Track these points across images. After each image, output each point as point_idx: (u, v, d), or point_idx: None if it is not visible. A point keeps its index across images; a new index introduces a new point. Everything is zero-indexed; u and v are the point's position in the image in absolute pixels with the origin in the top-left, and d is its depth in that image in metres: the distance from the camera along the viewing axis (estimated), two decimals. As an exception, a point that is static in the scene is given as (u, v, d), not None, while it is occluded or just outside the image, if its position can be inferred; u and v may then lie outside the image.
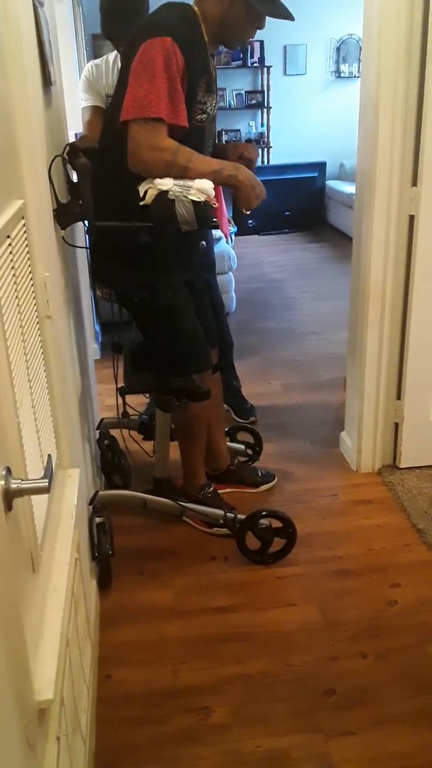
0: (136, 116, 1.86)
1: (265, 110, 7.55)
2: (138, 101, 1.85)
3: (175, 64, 1.88)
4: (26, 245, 1.32)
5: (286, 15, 1.99)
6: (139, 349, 2.53)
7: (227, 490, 2.64)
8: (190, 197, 1.89)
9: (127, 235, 1.99)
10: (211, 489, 2.52)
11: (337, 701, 1.82)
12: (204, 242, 2.51)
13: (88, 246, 2.22)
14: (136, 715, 1.80)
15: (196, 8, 2.02)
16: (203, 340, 2.28)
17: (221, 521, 2.35)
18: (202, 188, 1.91)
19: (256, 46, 7.10)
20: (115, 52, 2.90)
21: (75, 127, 2.99)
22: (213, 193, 1.93)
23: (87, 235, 2.20)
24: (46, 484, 0.98)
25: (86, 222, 2.06)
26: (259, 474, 2.75)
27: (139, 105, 1.85)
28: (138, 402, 2.92)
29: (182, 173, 1.91)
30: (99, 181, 2.01)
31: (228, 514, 2.33)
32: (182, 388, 2.25)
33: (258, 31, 2.11)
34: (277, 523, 2.30)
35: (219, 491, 2.60)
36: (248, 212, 2.11)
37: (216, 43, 2.10)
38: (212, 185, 1.93)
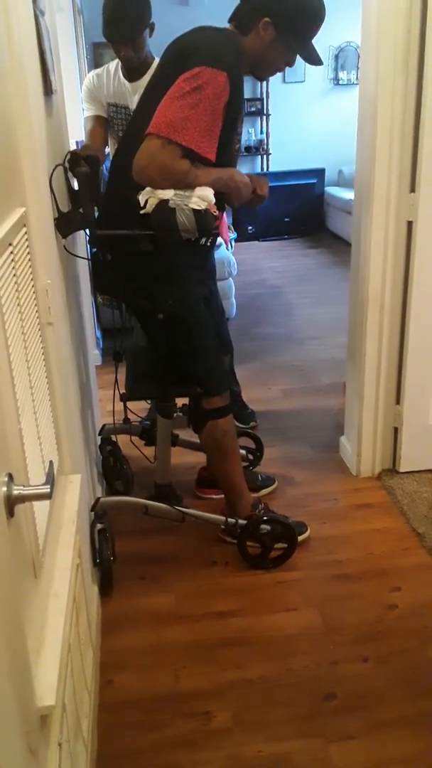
0: (166, 135, 1.83)
1: (265, 117, 7.58)
2: (173, 122, 1.83)
3: (223, 101, 1.89)
4: (28, 253, 1.33)
5: (318, 60, 2.06)
6: (141, 356, 2.54)
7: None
8: (191, 205, 1.90)
9: (137, 244, 1.99)
10: (262, 505, 2.45)
11: (338, 706, 1.82)
12: None
13: (89, 257, 2.22)
14: (138, 721, 1.80)
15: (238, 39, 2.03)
16: (221, 357, 2.30)
17: (222, 527, 2.36)
18: (202, 195, 1.92)
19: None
20: (116, 61, 2.92)
21: (76, 135, 3.01)
22: (213, 200, 1.94)
23: (88, 245, 2.21)
24: (48, 490, 0.99)
25: (87, 231, 2.08)
26: (259, 478, 2.75)
27: (172, 126, 1.83)
28: (140, 407, 2.93)
29: (186, 187, 1.92)
30: (117, 192, 2.02)
31: (229, 519, 2.34)
32: (206, 410, 2.25)
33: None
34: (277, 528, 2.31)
35: (216, 496, 2.61)
36: (239, 208, 2.12)
37: (246, 73, 2.12)
38: (212, 192, 1.94)
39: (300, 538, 2.40)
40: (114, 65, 2.94)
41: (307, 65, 2.11)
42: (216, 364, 2.28)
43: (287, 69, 2.15)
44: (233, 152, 2.10)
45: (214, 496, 2.68)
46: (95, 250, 2.14)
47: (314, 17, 2.02)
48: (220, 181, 2.00)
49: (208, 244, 2.13)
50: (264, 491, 2.72)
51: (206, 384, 2.25)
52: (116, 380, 2.42)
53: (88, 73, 3.11)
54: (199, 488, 2.76)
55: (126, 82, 2.89)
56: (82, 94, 2.99)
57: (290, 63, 2.11)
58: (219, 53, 1.91)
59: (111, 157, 3.11)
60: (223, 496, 2.54)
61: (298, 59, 2.09)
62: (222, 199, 2.07)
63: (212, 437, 2.30)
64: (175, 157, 1.86)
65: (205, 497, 2.71)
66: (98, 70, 3.00)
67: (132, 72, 2.87)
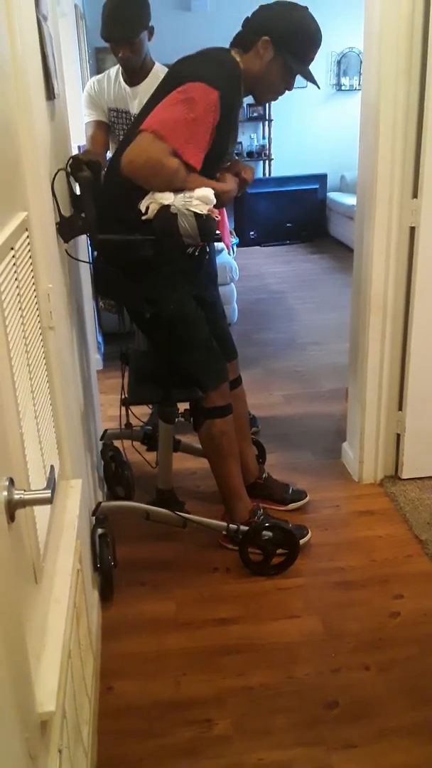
0: (154, 131, 1.88)
1: (267, 123, 7.59)
2: (164, 122, 1.89)
3: (212, 117, 1.94)
4: (30, 257, 1.33)
5: (315, 81, 2.11)
6: (143, 360, 2.54)
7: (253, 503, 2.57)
8: (193, 209, 1.90)
9: (138, 249, 2.00)
10: (261, 511, 2.42)
11: (340, 714, 1.81)
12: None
13: (90, 261, 2.23)
14: (138, 728, 1.79)
15: (239, 60, 2.08)
16: (218, 353, 2.30)
17: (224, 533, 2.35)
18: (202, 197, 1.92)
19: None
20: (117, 66, 2.93)
21: (78, 139, 3.01)
22: (214, 200, 1.95)
23: (90, 248, 2.21)
24: (49, 495, 0.98)
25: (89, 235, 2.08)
26: (290, 491, 2.67)
27: (162, 124, 1.89)
28: (142, 412, 2.92)
29: (176, 189, 1.95)
30: (112, 196, 2.02)
31: (230, 525, 2.33)
32: (205, 408, 2.24)
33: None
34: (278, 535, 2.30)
35: None
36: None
37: (246, 95, 2.16)
38: (212, 192, 1.94)
39: (301, 542, 2.39)
40: (114, 71, 2.95)
41: (309, 69, 2.11)
42: (208, 357, 2.27)
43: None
44: (219, 167, 2.15)
45: None
46: (95, 252, 2.15)
47: (312, 39, 2.09)
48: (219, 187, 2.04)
49: (196, 253, 2.14)
50: (293, 505, 2.65)
51: (200, 379, 2.25)
52: (123, 383, 2.41)
53: (90, 78, 3.12)
54: None
55: (127, 86, 2.90)
56: (83, 100, 3.00)
57: (289, 86, 2.17)
58: (215, 74, 1.98)
59: None
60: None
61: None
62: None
63: (209, 437, 2.30)
64: (165, 153, 1.89)
65: None
66: (99, 76, 3.02)
67: (132, 76, 2.87)
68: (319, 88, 2.17)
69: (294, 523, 2.42)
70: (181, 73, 2.01)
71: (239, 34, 2.11)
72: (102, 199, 2.08)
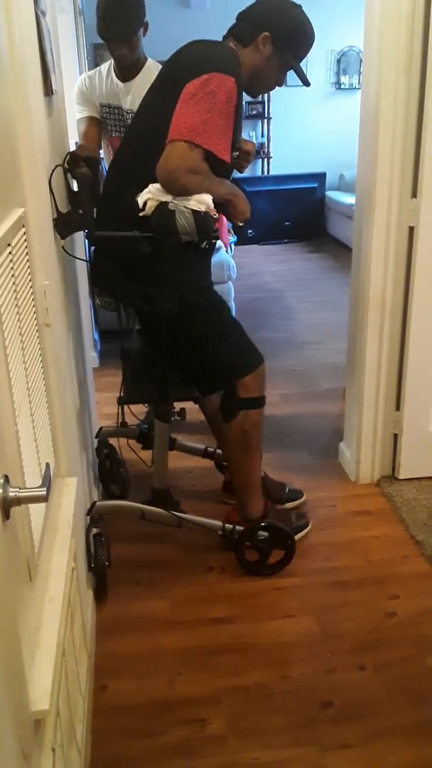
0: (188, 139, 1.86)
1: (266, 121, 7.59)
2: (193, 127, 1.87)
3: (233, 105, 1.95)
4: (26, 253, 1.32)
5: (307, 80, 2.17)
6: (139, 359, 2.53)
7: None
8: (190, 207, 1.89)
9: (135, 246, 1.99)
10: (272, 509, 2.43)
11: (335, 714, 1.81)
12: None
13: (87, 258, 2.22)
14: (132, 727, 1.78)
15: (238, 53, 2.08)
16: (245, 333, 2.28)
17: (219, 532, 2.34)
18: (201, 199, 1.92)
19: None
20: (108, 62, 2.92)
21: (76, 136, 3.00)
22: (212, 204, 1.94)
23: (87, 245, 2.20)
24: (44, 492, 0.98)
25: (86, 232, 2.07)
26: (286, 490, 2.68)
27: (193, 130, 1.87)
28: (140, 410, 2.92)
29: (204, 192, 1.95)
30: (114, 193, 2.01)
31: (226, 525, 2.32)
32: (241, 399, 2.22)
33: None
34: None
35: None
36: (241, 224, 2.17)
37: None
38: (211, 198, 1.94)
39: (290, 504, 2.48)
40: (106, 67, 2.95)
41: (309, 68, 2.13)
42: (243, 339, 2.26)
43: (289, 73, 2.17)
44: (232, 160, 2.12)
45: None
46: (93, 248, 2.13)
47: (309, 37, 2.11)
48: (229, 194, 2.06)
49: (207, 247, 2.12)
50: (290, 504, 2.65)
51: (239, 362, 2.23)
52: (123, 380, 2.40)
53: (81, 74, 3.11)
54: (224, 492, 2.72)
55: (119, 82, 2.89)
56: (75, 97, 2.99)
57: (280, 82, 2.19)
58: (227, 61, 1.98)
59: (104, 158, 3.11)
60: None
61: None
62: (223, 211, 2.10)
63: (242, 428, 2.26)
64: (200, 158, 1.89)
65: (229, 502, 2.63)
66: (90, 72, 3.02)
67: (125, 72, 2.87)
68: (308, 86, 2.20)
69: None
70: (191, 63, 1.96)
71: (236, 27, 2.11)
72: (102, 196, 2.08)
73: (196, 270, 2.15)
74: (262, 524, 2.29)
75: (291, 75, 2.15)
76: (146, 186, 1.93)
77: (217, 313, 2.22)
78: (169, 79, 2.02)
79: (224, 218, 2.17)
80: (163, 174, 1.89)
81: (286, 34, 2.06)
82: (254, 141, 2.15)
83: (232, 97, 1.93)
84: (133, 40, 2.73)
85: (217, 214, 1.99)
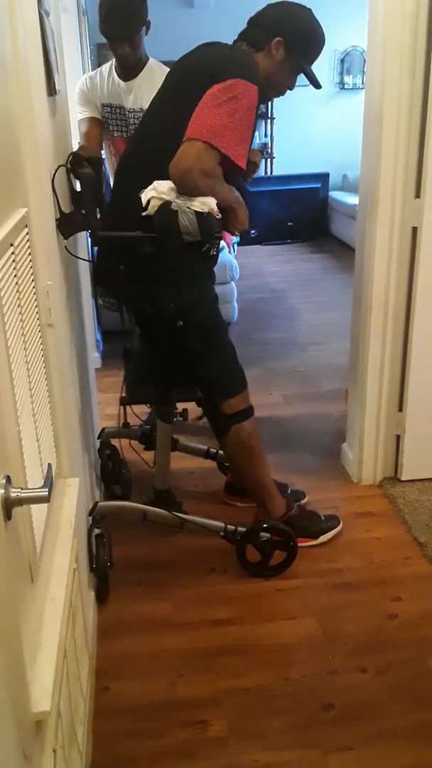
0: (207, 140, 1.86)
1: (269, 121, 7.58)
2: (213, 129, 1.86)
3: (254, 114, 1.96)
4: (29, 253, 1.32)
5: (319, 84, 2.18)
6: (141, 359, 2.52)
7: (253, 504, 2.51)
8: (194, 208, 1.89)
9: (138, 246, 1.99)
10: (295, 504, 2.45)
11: (336, 716, 1.80)
12: None
13: (90, 259, 2.22)
14: (133, 728, 1.78)
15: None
16: (236, 357, 2.28)
17: (221, 533, 2.34)
18: (204, 201, 1.92)
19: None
20: (109, 63, 2.93)
21: (77, 136, 3.01)
22: (215, 207, 1.94)
23: (89, 245, 2.20)
24: (46, 493, 0.98)
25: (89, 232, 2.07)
26: (289, 491, 2.65)
27: (213, 132, 1.86)
28: (140, 411, 2.91)
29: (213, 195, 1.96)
30: (125, 196, 2.02)
31: (228, 526, 2.32)
32: (228, 415, 2.22)
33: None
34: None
35: (242, 504, 2.60)
36: (237, 235, 2.21)
37: None
38: (215, 200, 1.94)
39: (331, 533, 2.46)
40: (107, 67, 2.95)
41: (312, 67, 2.12)
42: (234, 364, 2.26)
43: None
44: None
45: (240, 504, 2.64)
46: (96, 248, 2.13)
47: (320, 42, 2.14)
48: (234, 201, 2.07)
49: (214, 252, 2.12)
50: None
51: (225, 386, 2.23)
52: (125, 380, 2.39)
53: (82, 75, 3.12)
54: (226, 495, 2.71)
55: (120, 81, 2.90)
56: (76, 97, 2.99)
57: (292, 86, 2.20)
58: (251, 68, 1.99)
59: (105, 158, 3.11)
60: (250, 503, 2.50)
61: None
62: (223, 217, 2.08)
63: (239, 441, 2.27)
64: (216, 162, 1.89)
65: (231, 504, 2.64)
66: (91, 73, 3.03)
67: (127, 71, 2.87)
68: (320, 88, 2.19)
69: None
70: (214, 67, 1.96)
71: (248, 32, 2.11)
72: (112, 200, 2.07)
73: (198, 276, 2.13)
74: (264, 525, 2.29)
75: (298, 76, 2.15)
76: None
77: (216, 333, 2.21)
78: (185, 82, 2.02)
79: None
80: (176, 172, 1.89)
81: (299, 38, 2.08)
82: (260, 143, 2.12)
83: (253, 106, 1.94)
84: (136, 39, 2.74)
85: (220, 215, 1.99)
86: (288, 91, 2.21)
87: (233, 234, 2.18)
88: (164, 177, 1.92)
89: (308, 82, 2.15)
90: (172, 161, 1.88)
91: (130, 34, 2.72)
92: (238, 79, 1.91)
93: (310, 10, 2.11)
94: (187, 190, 1.90)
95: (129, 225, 2.00)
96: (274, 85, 2.15)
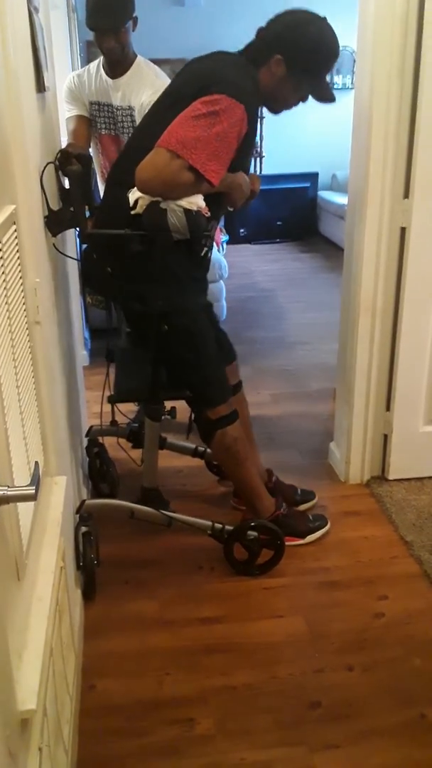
0: (174, 149, 1.82)
1: (259, 120, 7.57)
2: (183, 140, 1.82)
3: (237, 132, 1.90)
4: (17, 250, 1.31)
5: (331, 97, 2.11)
6: (129, 358, 2.52)
7: None
8: (182, 206, 1.89)
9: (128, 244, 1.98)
10: (284, 504, 2.46)
11: (323, 714, 1.81)
12: None
13: (78, 257, 2.21)
14: (120, 727, 1.78)
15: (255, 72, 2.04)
16: (221, 366, 2.29)
17: (209, 532, 2.34)
18: (191, 200, 1.91)
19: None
20: (97, 60, 2.93)
21: (65, 134, 3.00)
22: (203, 205, 1.94)
23: (78, 243, 2.19)
24: (33, 491, 0.97)
25: (77, 230, 2.06)
26: (298, 492, 2.67)
27: (182, 143, 1.82)
28: (128, 409, 2.91)
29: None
30: (117, 200, 2.01)
31: (216, 524, 2.32)
32: (212, 420, 2.23)
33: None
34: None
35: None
36: (238, 209, 2.15)
37: (261, 105, 2.13)
38: (202, 198, 1.93)
39: (304, 506, 2.51)
40: (95, 65, 2.95)
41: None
42: (218, 373, 2.26)
43: None
44: (246, 167, 2.13)
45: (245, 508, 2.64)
46: (85, 246, 2.12)
47: (327, 55, 2.06)
48: (226, 187, 2.01)
49: (203, 254, 2.12)
50: (303, 506, 2.63)
51: (208, 394, 2.24)
52: (106, 381, 2.39)
53: (70, 73, 3.12)
54: (234, 498, 2.69)
55: (108, 79, 2.89)
56: (63, 95, 2.98)
57: (303, 99, 2.13)
58: (240, 86, 1.93)
59: (93, 156, 3.11)
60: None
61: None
62: (223, 201, 2.07)
63: (224, 446, 2.27)
64: (182, 170, 1.83)
65: (239, 508, 2.61)
66: (79, 71, 3.03)
67: (114, 68, 2.87)
68: (334, 101, 2.11)
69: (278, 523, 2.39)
70: (204, 79, 1.92)
71: (252, 46, 2.06)
72: (104, 201, 2.07)
73: (187, 281, 2.13)
74: (252, 524, 2.29)
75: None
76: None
77: (201, 340, 2.20)
78: (178, 95, 1.97)
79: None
80: (137, 179, 1.87)
81: (299, 56, 2.01)
82: (260, 178, 2.10)
83: (237, 124, 1.88)
84: (122, 32, 2.73)
85: (209, 213, 1.99)
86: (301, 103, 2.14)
87: (235, 208, 2.14)
88: None
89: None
90: (137, 167, 1.86)
91: (116, 27, 2.71)
92: (223, 95, 1.86)
93: (323, 19, 2.04)
94: (151, 195, 1.89)
95: (118, 224, 1.99)
96: (279, 101, 2.11)
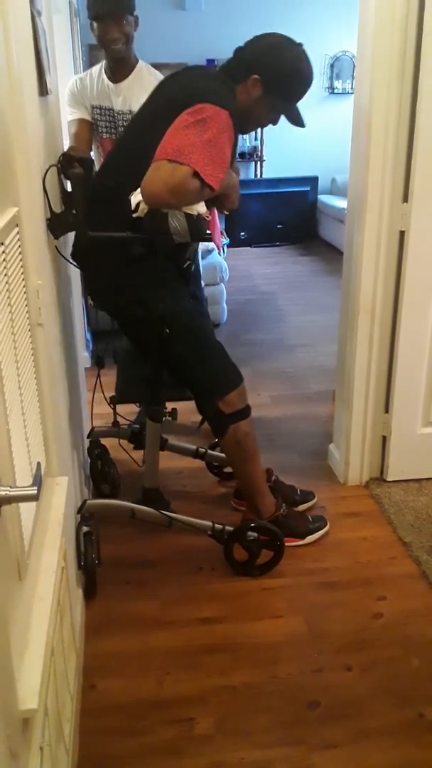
0: (173, 158, 1.82)
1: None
2: (179, 148, 1.83)
3: (228, 137, 1.92)
4: (20, 253, 1.33)
5: (301, 123, 2.14)
6: (130, 359, 2.53)
7: None
8: (183, 210, 1.90)
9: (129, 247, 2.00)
10: (283, 505, 2.46)
11: (322, 714, 1.82)
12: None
13: (77, 263, 2.21)
14: (120, 726, 1.79)
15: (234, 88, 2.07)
16: (226, 353, 2.29)
17: (209, 533, 2.35)
18: (192, 207, 1.92)
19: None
20: (99, 65, 2.94)
21: (67, 138, 3.01)
22: (204, 208, 1.95)
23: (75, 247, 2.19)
24: (35, 491, 0.98)
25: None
26: (298, 492, 2.68)
27: (179, 150, 1.83)
28: (129, 410, 2.92)
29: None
30: (101, 197, 2.02)
31: (216, 525, 2.33)
32: (227, 414, 2.23)
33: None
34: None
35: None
36: (227, 213, 2.17)
37: None
38: (203, 204, 1.94)
39: (303, 506, 2.53)
40: (97, 69, 2.96)
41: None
42: (226, 360, 2.27)
43: None
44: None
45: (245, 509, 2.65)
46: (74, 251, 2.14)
47: (303, 82, 2.09)
48: (227, 189, 2.04)
49: (185, 266, 2.15)
50: (303, 506, 2.65)
51: (220, 382, 2.24)
52: (96, 385, 2.41)
53: (73, 76, 3.13)
54: (234, 499, 2.70)
55: (110, 83, 2.91)
56: (66, 98, 2.99)
57: (274, 121, 2.17)
58: (221, 95, 1.96)
59: (95, 160, 3.12)
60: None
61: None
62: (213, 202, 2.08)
63: (235, 440, 2.28)
64: (187, 176, 1.84)
65: (239, 509, 2.62)
66: (81, 74, 3.04)
67: (116, 70, 2.88)
68: (303, 127, 2.14)
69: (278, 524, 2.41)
70: (186, 94, 1.95)
71: (231, 63, 2.09)
72: (90, 201, 2.08)
73: (176, 282, 2.16)
74: (252, 525, 2.30)
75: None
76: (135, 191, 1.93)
77: (203, 333, 2.23)
78: (167, 107, 1.98)
79: (217, 220, 2.17)
80: (145, 196, 1.88)
81: (277, 79, 2.04)
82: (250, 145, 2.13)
83: (223, 128, 1.90)
84: (124, 24, 2.74)
85: (209, 217, 2.00)
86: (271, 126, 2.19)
87: (222, 212, 2.16)
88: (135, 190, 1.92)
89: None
90: (141, 184, 1.86)
91: (118, 12, 2.71)
92: (206, 103, 1.89)
93: (299, 45, 2.06)
94: (162, 208, 1.90)
95: (104, 228, 2.00)
96: (252, 120, 2.14)
